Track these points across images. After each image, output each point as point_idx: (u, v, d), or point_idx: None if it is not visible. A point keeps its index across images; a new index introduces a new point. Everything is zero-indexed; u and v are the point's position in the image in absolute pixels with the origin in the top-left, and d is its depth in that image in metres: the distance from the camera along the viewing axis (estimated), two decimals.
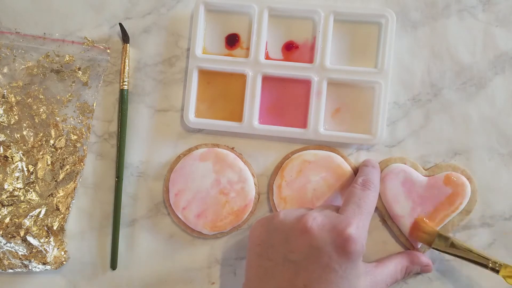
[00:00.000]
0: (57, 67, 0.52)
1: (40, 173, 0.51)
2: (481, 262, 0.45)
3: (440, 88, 0.51)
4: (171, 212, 0.51)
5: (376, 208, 0.51)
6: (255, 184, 0.51)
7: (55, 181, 0.51)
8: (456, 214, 0.49)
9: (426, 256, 0.49)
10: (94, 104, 0.52)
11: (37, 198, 0.50)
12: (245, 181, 0.50)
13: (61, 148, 0.51)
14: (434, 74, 0.51)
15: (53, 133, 0.51)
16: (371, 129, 0.50)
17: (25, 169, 0.51)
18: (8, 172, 0.50)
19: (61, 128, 0.51)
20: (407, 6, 0.52)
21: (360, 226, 0.42)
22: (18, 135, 0.51)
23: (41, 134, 0.51)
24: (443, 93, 0.51)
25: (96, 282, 0.52)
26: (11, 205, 0.50)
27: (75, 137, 0.51)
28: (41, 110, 0.51)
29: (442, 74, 0.51)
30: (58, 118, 0.51)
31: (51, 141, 0.51)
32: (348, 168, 0.50)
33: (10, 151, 0.50)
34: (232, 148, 0.52)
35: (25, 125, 0.51)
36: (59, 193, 0.51)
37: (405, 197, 0.49)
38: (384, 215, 0.50)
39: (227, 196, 0.50)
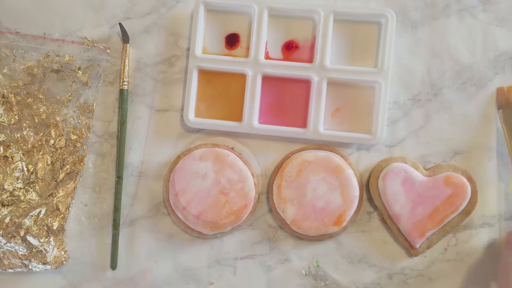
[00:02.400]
0: (57, 67, 0.52)
1: (40, 173, 0.51)
2: None
3: (440, 88, 0.51)
4: (171, 212, 0.51)
5: (376, 208, 0.51)
6: (255, 184, 0.51)
7: (55, 181, 0.51)
8: (456, 215, 0.49)
9: None
10: (94, 104, 0.52)
11: (37, 198, 0.50)
12: (245, 180, 0.50)
13: (61, 148, 0.51)
14: (434, 74, 0.51)
15: (53, 133, 0.51)
16: (371, 129, 0.50)
17: (25, 169, 0.51)
18: (8, 172, 0.50)
19: (61, 128, 0.51)
20: (407, 6, 0.52)
21: None
22: (18, 135, 0.51)
23: (41, 134, 0.51)
24: (443, 92, 0.51)
25: (96, 282, 0.52)
26: (11, 205, 0.50)
27: (75, 137, 0.51)
28: (41, 110, 0.51)
29: (442, 74, 0.51)
30: (58, 118, 0.51)
31: (51, 141, 0.51)
32: (347, 168, 0.50)
33: (10, 151, 0.50)
34: (232, 148, 0.52)
35: (25, 125, 0.51)
36: (59, 193, 0.51)
37: (405, 197, 0.49)
38: (384, 214, 0.50)
39: (227, 196, 0.50)
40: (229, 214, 0.50)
